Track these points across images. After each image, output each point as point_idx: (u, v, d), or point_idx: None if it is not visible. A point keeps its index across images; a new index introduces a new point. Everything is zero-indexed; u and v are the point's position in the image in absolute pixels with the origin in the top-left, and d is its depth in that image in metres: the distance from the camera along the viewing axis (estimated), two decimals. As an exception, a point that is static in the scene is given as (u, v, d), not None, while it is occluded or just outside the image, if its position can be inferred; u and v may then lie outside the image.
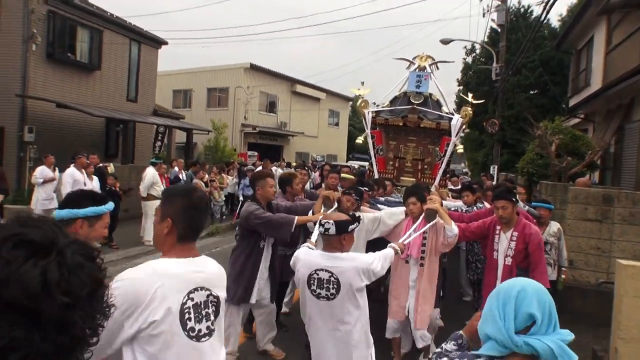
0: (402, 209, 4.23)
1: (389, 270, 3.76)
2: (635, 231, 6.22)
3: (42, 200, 8.10)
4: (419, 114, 6.13)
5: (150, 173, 8.80)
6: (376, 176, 6.27)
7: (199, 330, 1.74)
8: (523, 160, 10.91)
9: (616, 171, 11.68)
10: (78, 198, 2.15)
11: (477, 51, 24.30)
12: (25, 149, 12.18)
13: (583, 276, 6.24)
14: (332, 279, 2.78)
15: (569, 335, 1.28)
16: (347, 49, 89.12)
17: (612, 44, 12.05)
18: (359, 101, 6.49)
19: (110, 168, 9.64)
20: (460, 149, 6.43)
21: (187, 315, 1.70)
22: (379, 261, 2.97)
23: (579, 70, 15.34)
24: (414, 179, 6.29)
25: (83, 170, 7.72)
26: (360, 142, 6.79)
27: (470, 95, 6.38)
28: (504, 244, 3.87)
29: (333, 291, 2.79)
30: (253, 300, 3.96)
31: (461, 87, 23.91)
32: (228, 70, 24.76)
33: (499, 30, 17.67)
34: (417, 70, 6.54)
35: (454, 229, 3.78)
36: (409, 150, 6.48)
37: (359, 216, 3.30)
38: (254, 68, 24.72)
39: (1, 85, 12.18)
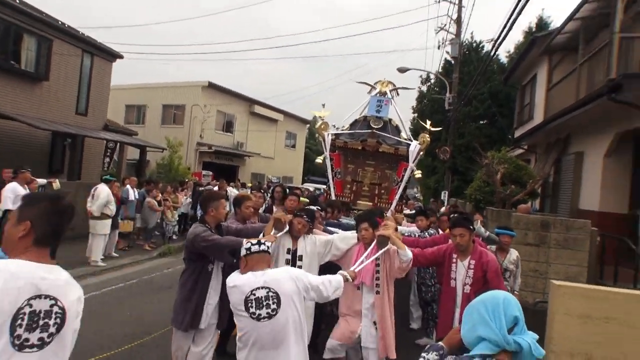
0: (355, 233, 4.17)
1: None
2: (568, 254, 6.80)
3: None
4: (378, 139, 6.15)
5: (105, 191, 8.51)
6: (333, 199, 6.23)
7: (26, 340, 1.59)
8: (471, 187, 11.41)
9: (554, 199, 12.42)
10: None
11: (432, 81, 25.34)
12: (-41, 162, 11.49)
13: (522, 296, 6.55)
14: (270, 294, 2.69)
15: (534, 335, 1.58)
16: (306, 73, 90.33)
17: (553, 82, 12.92)
18: (319, 123, 6.45)
19: (56, 184, 9.24)
20: (417, 174, 6.46)
21: (19, 321, 1.58)
22: (316, 278, 2.90)
23: (524, 104, 16.24)
24: (371, 203, 6.28)
25: (26, 186, 7.40)
26: (320, 162, 6.72)
27: (428, 122, 6.47)
28: (462, 272, 3.83)
29: (274, 306, 2.68)
30: (202, 325, 3.77)
31: (416, 115, 24.79)
32: (185, 88, 24.49)
33: (453, 62, 18.54)
34: (377, 95, 6.61)
35: (408, 253, 3.73)
36: (366, 174, 6.46)
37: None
38: (212, 87, 24.59)
39: None
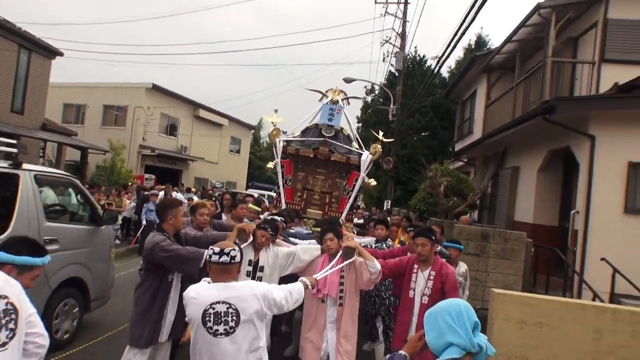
0: (318, 245, 4.09)
1: (299, 307, 3.64)
2: (505, 264, 7.27)
3: None
4: (330, 147, 6.13)
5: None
6: (284, 206, 6.19)
7: None
8: (415, 198, 11.87)
9: (492, 211, 13.14)
10: (17, 244, 2.13)
11: (377, 92, 26.00)
12: None
13: (464, 305, 6.95)
14: (230, 310, 2.57)
15: (485, 336, 1.74)
16: (252, 79, 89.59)
17: (491, 98, 13.71)
18: (271, 129, 6.37)
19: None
20: (372, 182, 6.50)
21: None
22: (281, 291, 2.83)
23: (464, 119, 17.00)
24: (321, 212, 6.27)
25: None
26: (271, 166, 6.54)
27: (381, 133, 6.54)
28: (422, 283, 3.83)
29: (232, 324, 2.57)
30: (163, 339, 3.64)
31: (360, 124, 25.35)
32: (128, 89, 23.63)
33: (397, 74, 19.16)
34: (329, 103, 6.61)
35: (376, 264, 3.68)
36: (317, 183, 6.38)
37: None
38: (156, 89, 23.90)
39: None
